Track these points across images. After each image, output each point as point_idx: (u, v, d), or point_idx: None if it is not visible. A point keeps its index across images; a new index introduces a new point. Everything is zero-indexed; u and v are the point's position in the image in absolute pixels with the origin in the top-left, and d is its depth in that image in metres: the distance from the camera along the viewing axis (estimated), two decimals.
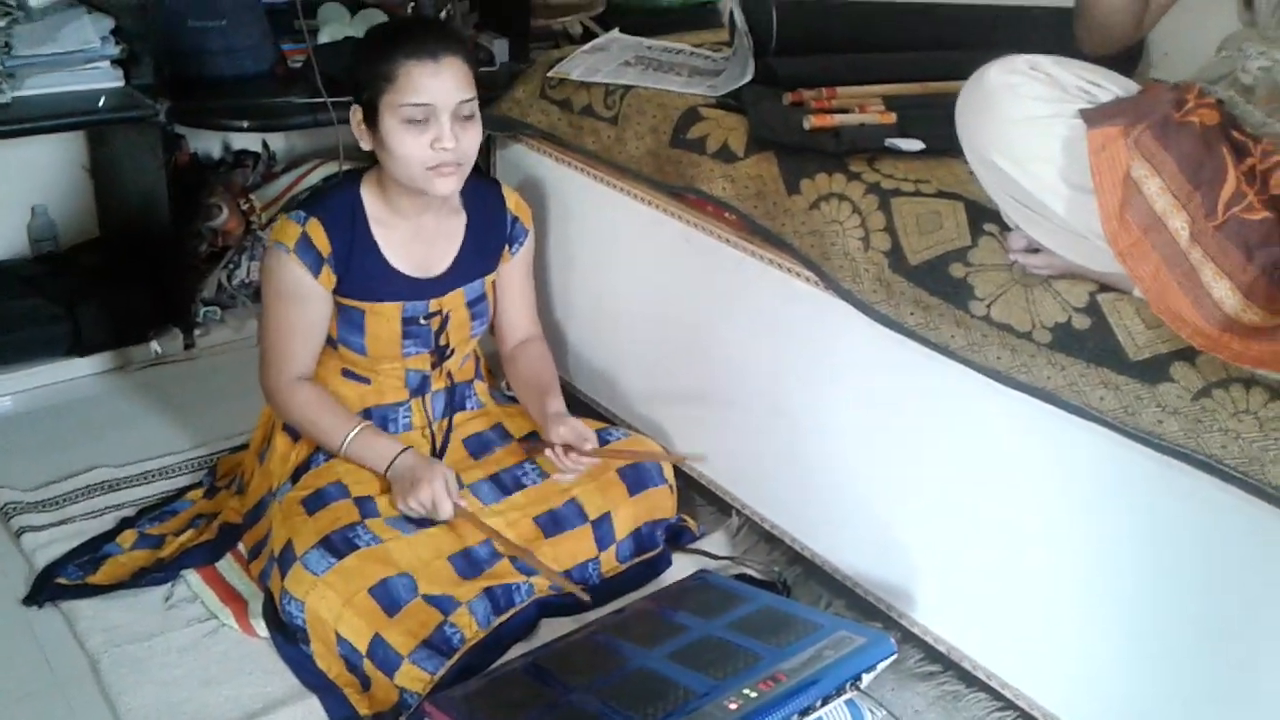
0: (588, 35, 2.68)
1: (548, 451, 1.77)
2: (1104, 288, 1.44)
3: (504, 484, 1.80)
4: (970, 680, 1.68)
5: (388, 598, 1.59)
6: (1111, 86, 1.39)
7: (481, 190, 1.88)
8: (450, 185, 1.69)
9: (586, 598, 1.67)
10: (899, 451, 1.69)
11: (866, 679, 1.50)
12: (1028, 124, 1.38)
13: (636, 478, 1.83)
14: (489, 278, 1.89)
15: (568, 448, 1.76)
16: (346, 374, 1.81)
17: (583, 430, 1.77)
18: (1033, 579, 1.55)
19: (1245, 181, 1.34)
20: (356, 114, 1.71)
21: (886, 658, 1.50)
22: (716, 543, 1.94)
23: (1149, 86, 1.42)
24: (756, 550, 1.94)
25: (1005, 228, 1.52)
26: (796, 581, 1.87)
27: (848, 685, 1.47)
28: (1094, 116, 1.34)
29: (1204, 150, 1.34)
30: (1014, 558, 1.57)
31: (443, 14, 2.57)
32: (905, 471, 1.69)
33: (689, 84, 2.06)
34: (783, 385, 1.82)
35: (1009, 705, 1.64)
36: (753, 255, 1.83)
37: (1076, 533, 1.49)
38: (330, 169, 2.62)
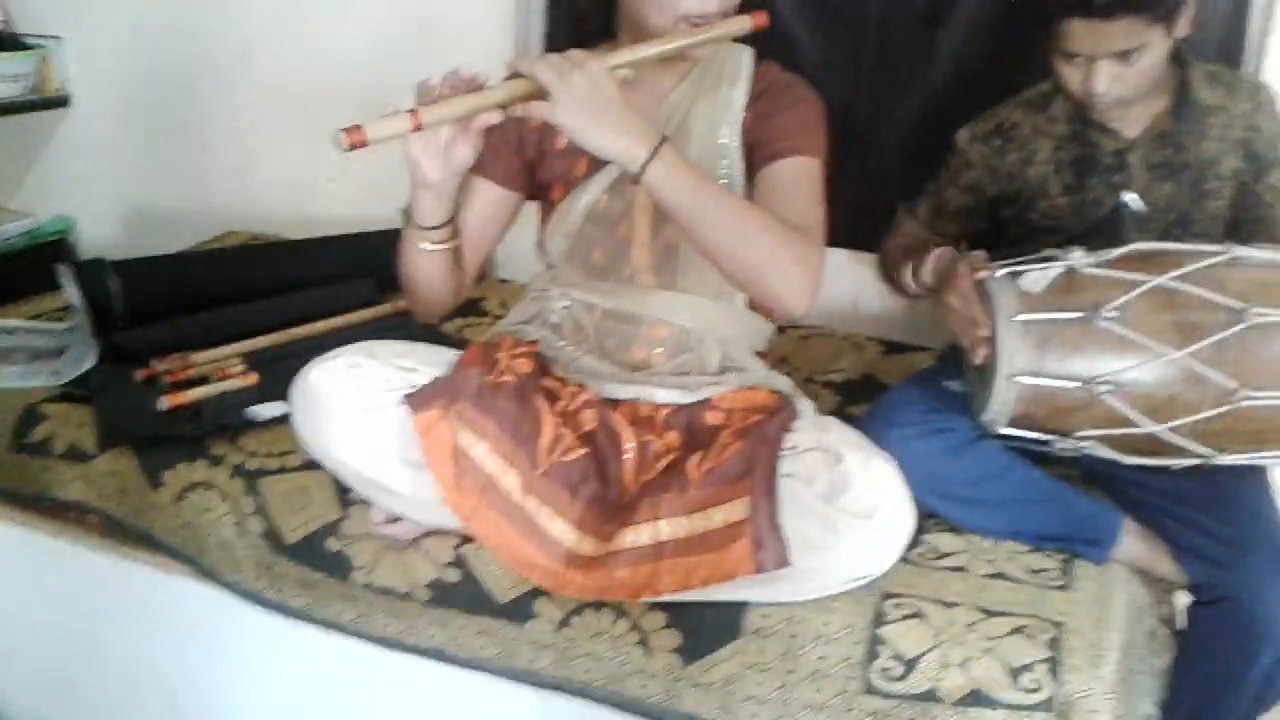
0: None
1: None
2: (465, 539, 1.55)
3: None
4: None
5: None
6: (428, 368, 1.50)
7: None
8: None
9: None
10: None
11: None
12: (357, 417, 1.45)
13: None
14: None
15: None
16: None
17: None
18: None
19: (560, 424, 1.51)
20: None
21: None
22: None
23: (465, 355, 1.54)
24: None
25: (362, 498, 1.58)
26: None
27: None
28: (416, 401, 1.45)
29: (520, 407, 1.49)
30: None
31: None
32: None
33: (28, 373, 1.92)
34: (189, 691, 1.74)
35: None
36: (129, 559, 1.73)
37: None
38: None
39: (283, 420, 1.77)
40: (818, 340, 2.17)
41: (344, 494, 1.62)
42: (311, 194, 2.61)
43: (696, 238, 1.39)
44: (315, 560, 1.59)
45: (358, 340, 2.08)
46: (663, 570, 1.39)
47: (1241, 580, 1.44)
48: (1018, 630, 1.35)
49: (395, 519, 1.55)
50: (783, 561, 1.33)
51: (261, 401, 1.81)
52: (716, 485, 1.40)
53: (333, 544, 1.59)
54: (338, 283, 2.25)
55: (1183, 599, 1.56)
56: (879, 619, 1.37)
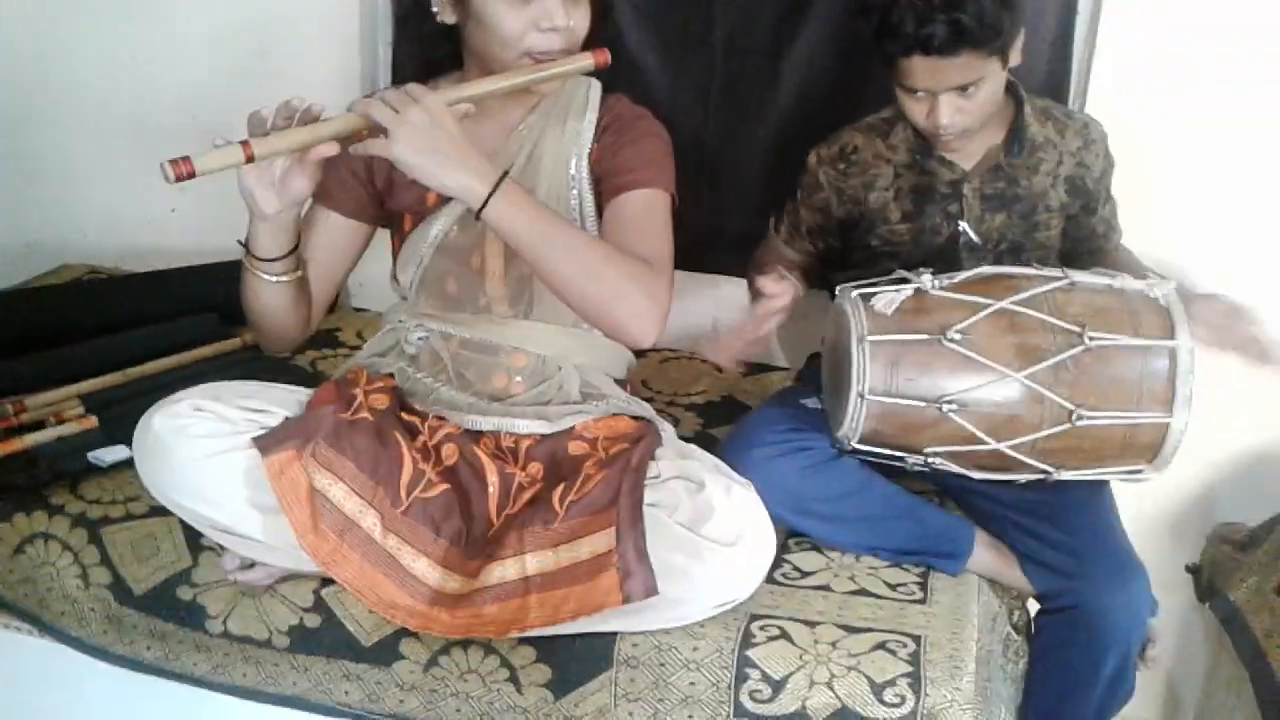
0: None
1: None
2: (326, 582, 1.50)
3: None
4: None
5: None
6: (277, 408, 1.46)
7: None
8: None
9: None
10: None
11: None
12: (205, 462, 1.40)
13: None
14: None
15: None
16: None
17: None
18: None
19: (421, 460, 1.48)
20: None
21: None
22: None
23: (318, 393, 1.50)
24: None
25: (223, 546, 1.53)
26: None
27: None
28: (267, 444, 1.40)
29: (379, 444, 1.46)
30: None
31: None
32: None
33: None
34: None
35: None
36: None
37: None
38: None
39: (127, 465, 1.70)
40: (677, 363, 2.19)
41: (194, 540, 1.56)
42: (151, 225, 2.51)
43: (542, 272, 1.39)
44: (167, 610, 1.53)
45: (203, 377, 2.01)
46: (531, 605, 1.38)
47: (1084, 589, 1.51)
48: (880, 645, 1.39)
49: (250, 565, 1.49)
50: (651, 591, 1.33)
51: (103, 446, 1.73)
52: (582, 517, 1.40)
53: (185, 593, 1.53)
54: (181, 317, 2.17)
55: (1034, 606, 1.63)
56: (746, 641, 1.39)
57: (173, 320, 2.14)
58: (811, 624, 1.42)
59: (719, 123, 2.19)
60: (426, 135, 1.32)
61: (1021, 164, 1.67)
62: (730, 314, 2.25)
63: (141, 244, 2.49)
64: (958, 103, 1.56)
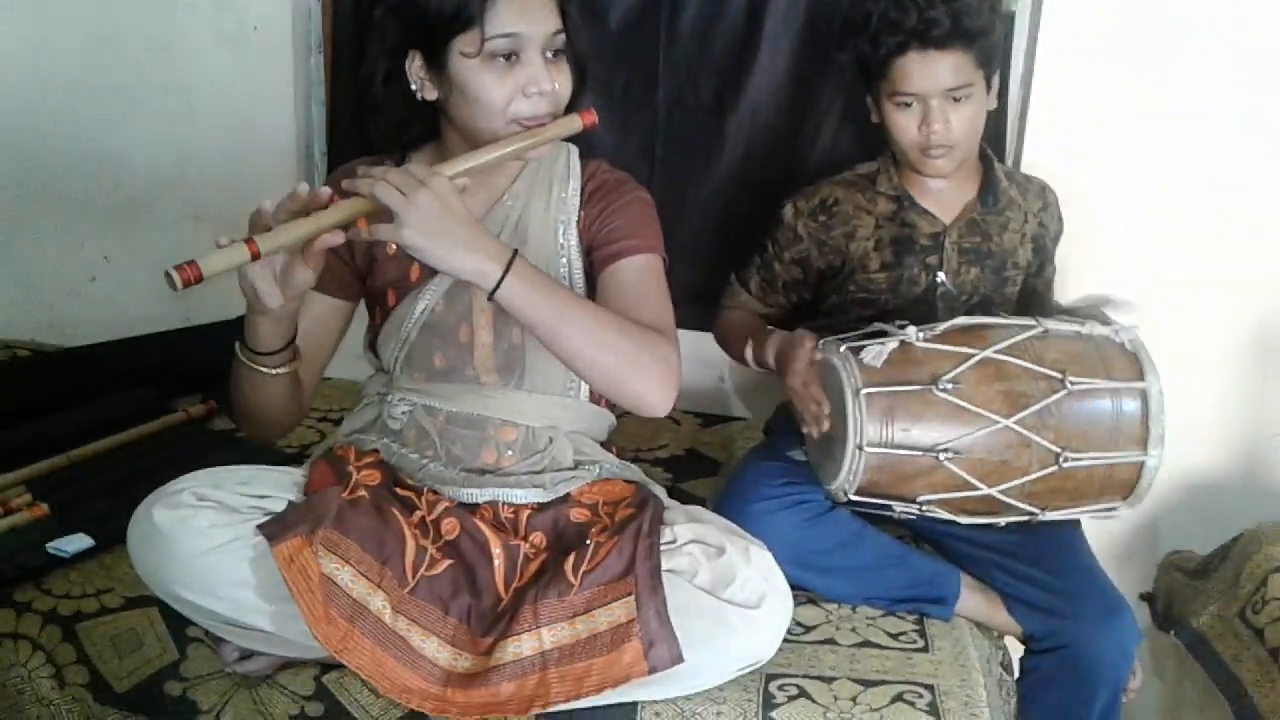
0: None
1: None
2: (326, 667, 1.45)
3: None
4: None
5: None
6: (279, 492, 1.41)
7: None
8: None
9: None
10: None
11: None
12: (209, 555, 1.33)
13: None
14: None
15: None
16: None
17: None
18: None
19: (421, 536, 1.45)
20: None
21: None
22: None
23: (315, 474, 1.46)
24: None
25: (210, 635, 1.46)
26: None
27: None
28: (274, 531, 1.34)
29: (381, 522, 1.42)
30: None
31: None
32: None
33: None
34: None
35: None
36: None
37: None
38: None
39: (88, 554, 1.62)
40: (634, 420, 2.17)
41: (180, 631, 1.49)
42: (69, 295, 2.41)
43: (555, 346, 1.39)
44: (153, 708, 1.45)
45: (152, 456, 1.94)
46: (551, 680, 1.36)
47: (1076, 628, 1.56)
48: (898, 698, 1.41)
49: (249, 654, 1.43)
50: (676, 659, 1.32)
51: (59, 535, 1.64)
52: (597, 586, 1.38)
53: (173, 688, 1.45)
54: (114, 393, 2.09)
55: (1015, 647, 1.68)
56: (768, 703, 1.39)
57: (106, 397, 2.05)
58: (828, 680, 1.44)
59: (664, 181, 2.22)
60: (436, 219, 1.30)
61: (994, 219, 1.74)
62: (684, 367, 2.27)
63: (60, 316, 2.38)
64: (949, 111, 1.63)
